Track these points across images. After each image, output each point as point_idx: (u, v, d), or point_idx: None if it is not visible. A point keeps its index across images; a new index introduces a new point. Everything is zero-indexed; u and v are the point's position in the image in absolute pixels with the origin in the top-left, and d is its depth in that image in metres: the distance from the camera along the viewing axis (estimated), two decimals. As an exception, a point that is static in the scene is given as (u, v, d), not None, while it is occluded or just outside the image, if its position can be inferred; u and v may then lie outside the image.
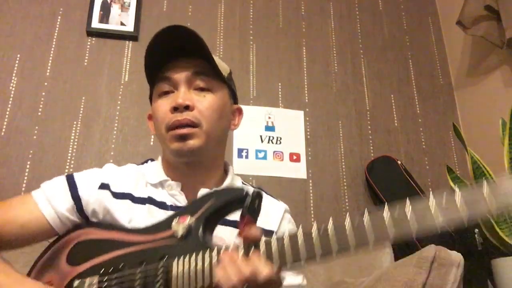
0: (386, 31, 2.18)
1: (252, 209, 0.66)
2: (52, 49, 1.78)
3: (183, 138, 0.79)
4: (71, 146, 1.66)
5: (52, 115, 1.69)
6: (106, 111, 1.74)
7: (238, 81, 1.91)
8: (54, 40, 1.80)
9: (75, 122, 1.70)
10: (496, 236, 1.34)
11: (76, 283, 0.71)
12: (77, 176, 0.84)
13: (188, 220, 0.67)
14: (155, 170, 0.89)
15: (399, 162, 1.82)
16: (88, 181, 0.83)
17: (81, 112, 1.72)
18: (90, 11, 1.84)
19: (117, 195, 0.82)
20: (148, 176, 0.87)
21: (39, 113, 1.68)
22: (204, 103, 0.82)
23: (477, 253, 1.47)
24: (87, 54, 1.81)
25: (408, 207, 0.52)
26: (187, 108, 0.80)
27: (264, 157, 1.79)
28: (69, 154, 1.65)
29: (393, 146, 1.95)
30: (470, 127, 2.00)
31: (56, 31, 1.82)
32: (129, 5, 1.89)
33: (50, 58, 1.77)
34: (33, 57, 1.75)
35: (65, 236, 0.80)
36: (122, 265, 0.69)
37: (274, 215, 0.87)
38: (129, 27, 1.86)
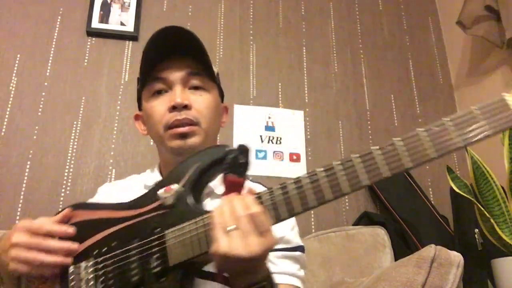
0: (386, 31, 2.18)
1: (237, 165, 0.63)
2: (52, 49, 1.78)
3: (184, 136, 0.80)
4: (71, 146, 1.66)
5: (52, 115, 1.69)
6: (106, 111, 1.74)
7: (238, 81, 1.93)
8: (54, 40, 1.80)
9: (75, 122, 1.70)
10: (496, 236, 1.34)
11: (71, 269, 0.67)
12: None
13: (174, 187, 0.65)
14: (154, 173, 0.92)
15: (399, 162, 1.82)
16: None
17: (81, 112, 1.72)
18: (90, 11, 1.85)
19: None
20: (147, 180, 0.90)
21: (39, 113, 1.68)
22: (202, 102, 0.84)
23: (477, 253, 1.47)
24: (87, 54, 1.81)
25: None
26: (185, 107, 0.81)
27: (264, 157, 1.79)
28: (69, 154, 1.65)
29: (393, 146, 1.95)
30: (470, 127, 2.00)
31: (56, 31, 1.82)
32: (129, 5, 1.89)
33: (50, 58, 1.77)
34: (33, 57, 1.75)
35: None
36: (115, 244, 0.66)
37: None
38: (129, 27, 1.86)
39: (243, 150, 0.64)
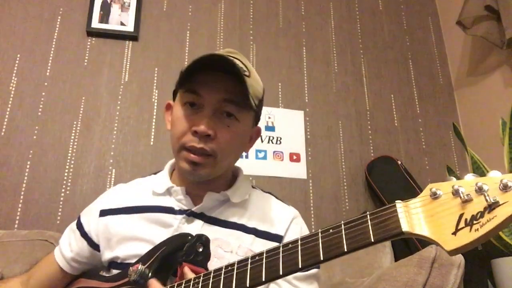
0: (386, 31, 2.18)
1: (196, 254, 0.69)
2: (52, 49, 1.78)
3: (195, 164, 0.79)
4: (71, 146, 1.66)
5: (52, 115, 1.68)
6: (106, 111, 1.74)
7: (238, 81, 1.91)
8: (54, 40, 1.80)
9: (75, 122, 1.70)
10: (496, 236, 1.34)
11: None
12: (82, 215, 0.92)
13: (139, 267, 0.71)
14: (162, 179, 0.90)
15: (399, 162, 1.82)
16: (89, 215, 0.90)
17: (81, 112, 1.72)
18: (90, 11, 1.84)
19: (114, 211, 0.87)
20: (155, 186, 0.89)
21: (39, 113, 1.68)
22: (227, 134, 0.80)
23: (477, 253, 1.47)
24: (87, 54, 1.81)
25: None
26: (207, 136, 0.77)
27: (264, 157, 1.79)
28: (69, 154, 1.64)
29: (393, 146, 1.95)
30: (470, 127, 2.00)
31: (56, 31, 1.81)
32: (129, 5, 1.89)
33: (50, 58, 1.77)
34: (33, 57, 1.75)
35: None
36: None
37: (281, 220, 0.87)
38: (129, 27, 1.86)
39: (203, 240, 0.70)
